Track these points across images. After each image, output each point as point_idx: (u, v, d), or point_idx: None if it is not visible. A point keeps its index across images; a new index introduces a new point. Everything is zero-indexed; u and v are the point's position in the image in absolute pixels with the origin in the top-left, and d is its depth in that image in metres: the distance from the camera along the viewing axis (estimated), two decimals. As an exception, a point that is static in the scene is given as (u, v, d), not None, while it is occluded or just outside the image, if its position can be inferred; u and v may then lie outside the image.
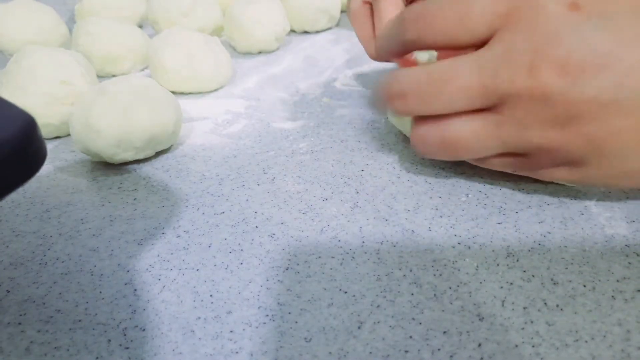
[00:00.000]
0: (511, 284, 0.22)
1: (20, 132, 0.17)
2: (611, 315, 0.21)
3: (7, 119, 0.17)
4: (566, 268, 0.23)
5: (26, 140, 0.17)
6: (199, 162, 0.34)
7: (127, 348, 0.20)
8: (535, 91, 0.21)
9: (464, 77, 0.23)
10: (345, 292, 0.22)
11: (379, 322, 0.21)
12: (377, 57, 0.32)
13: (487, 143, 0.24)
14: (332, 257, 0.24)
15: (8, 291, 0.23)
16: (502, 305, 0.21)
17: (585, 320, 0.20)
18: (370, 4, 0.35)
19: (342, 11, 0.63)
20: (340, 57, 0.51)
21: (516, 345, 0.20)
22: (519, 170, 0.27)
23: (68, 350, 0.20)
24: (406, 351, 0.20)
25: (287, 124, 0.38)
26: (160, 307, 0.22)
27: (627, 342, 0.19)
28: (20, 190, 0.31)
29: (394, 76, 0.26)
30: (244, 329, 0.21)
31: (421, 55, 0.26)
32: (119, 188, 0.31)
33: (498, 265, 0.23)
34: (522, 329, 0.20)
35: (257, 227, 0.27)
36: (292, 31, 0.60)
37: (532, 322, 0.20)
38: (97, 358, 0.20)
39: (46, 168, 0.33)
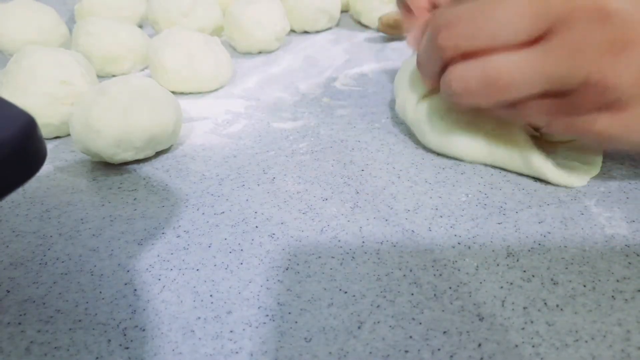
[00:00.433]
0: (511, 284, 0.22)
1: (20, 132, 0.17)
2: (611, 315, 0.21)
3: (7, 119, 0.17)
4: (566, 268, 0.23)
5: (26, 140, 0.17)
6: (199, 162, 0.34)
7: (127, 348, 0.20)
8: (593, 10, 0.21)
9: (514, 1, 0.22)
10: (345, 292, 0.22)
11: (379, 322, 0.21)
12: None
13: (531, 78, 0.23)
14: (332, 257, 0.24)
15: (8, 291, 0.23)
16: (502, 305, 0.21)
17: (586, 320, 0.20)
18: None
19: (342, 11, 0.63)
20: (340, 57, 0.51)
21: (516, 345, 0.20)
22: (554, 123, 0.25)
23: (68, 350, 0.20)
24: (406, 351, 0.20)
25: (287, 124, 0.38)
26: (160, 307, 0.22)
27: (627, 342, 0.19)
28: (20, 190, 0.31)
29: (442, 10, 0.25)
30: (244, 329, 0.21)
31: None
32: (119, 188, 0.31)
33: (498, 265, 0.23)
34: (522, 329, 0.20)
35: (257, 227, 0.27)
36: (292, 31, 0.59)
37: (532, 322, 0.20)
38: (97, 358, 0.20)
39: (46, 168, 0.33)
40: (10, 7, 0.50)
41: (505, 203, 0.28)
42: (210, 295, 0.23)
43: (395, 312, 0.21)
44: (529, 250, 0.24)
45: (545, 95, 0.24)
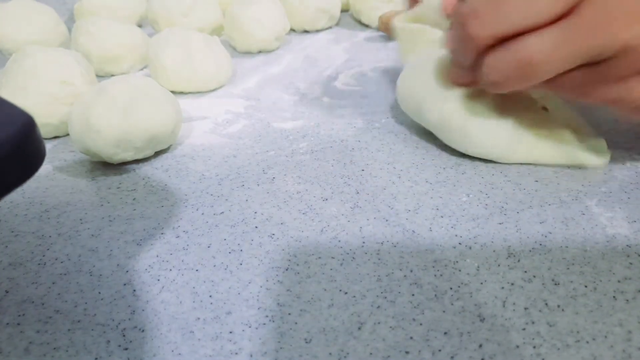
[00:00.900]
0: (512, 284, 0.22)
1: (19, 132, 0.17)
2: (612, 316, 0.20)
3: (6, 118, 0.17)
4: (567, 268, 0.23)
5: (25, 140, 0.17)
6: (198, 162, 0.33)
7: (126, 349, 0.20)
8: None
9: None
10: (346, 293, 0.22)
11: (379, 323, 0.21)
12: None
13: (566, 53, 0.23)
14: (332, 258, 0.24)
15: (7, 291, 0.23)
16: (503, 306, 0.21)
17: (587, 320, 0.20)
18: None
19: (342, 10, 0.63)
20: (340, 57, 0.51)
21: (517, 346, 0.19)
22: (591, 91, 0.25)
23: (67, 350, 0.20)
24: (407, 352, 0.20)
25: (287, 124, 0.38)
26: (160, 308, 0.22)
27: (629, 342, 0.19)
28: (19, 190, 0.31)
29: (462, 3, 0.25)
30: (243, 330, 0.21)
31: None
32: (118, 188, 0.31)
33: (499, 265, 0.23)
34: (523, 329, 0.20)
35: (256, 227, 0.27)
36: (292, 31, 0.59)
37: (533, 322, 0.20)
38: (96, 358, 0.20)
39: (45, 168, 0.33)
40: (10, 7, 0.50)
41: (507, 203, 0.27)
42: (210, 296, 0.23)
43: (395, 313, 0.21)
44: (530, 251, 0.24)
45: (580, 66, 0.24)
